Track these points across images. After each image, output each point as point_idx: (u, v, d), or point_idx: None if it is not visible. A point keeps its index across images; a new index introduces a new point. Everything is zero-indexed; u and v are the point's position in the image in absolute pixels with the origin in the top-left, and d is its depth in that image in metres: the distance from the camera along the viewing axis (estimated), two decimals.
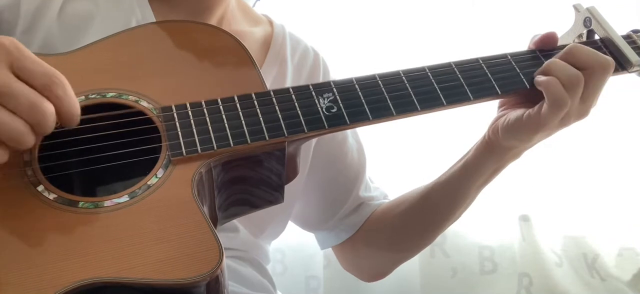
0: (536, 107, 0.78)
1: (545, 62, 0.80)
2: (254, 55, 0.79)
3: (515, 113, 0.81)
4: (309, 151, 0.98)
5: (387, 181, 1.21)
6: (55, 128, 0.62)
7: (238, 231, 0.91)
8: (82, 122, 0.67)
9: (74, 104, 0.63)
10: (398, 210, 0.98)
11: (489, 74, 0.80)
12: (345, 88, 0.76)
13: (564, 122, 0.79)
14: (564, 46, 0.81)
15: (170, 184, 0.66)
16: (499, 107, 0.86)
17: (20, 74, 0.61)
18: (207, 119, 0.71)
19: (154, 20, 0.87)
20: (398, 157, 1.48)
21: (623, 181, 1.52)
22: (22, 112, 0.60)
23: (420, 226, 0.97)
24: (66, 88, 0.63)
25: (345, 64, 1.40)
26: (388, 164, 1.45)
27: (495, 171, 0.88)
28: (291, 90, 0.75)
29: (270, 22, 1.02)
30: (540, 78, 0.78)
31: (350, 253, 1.05)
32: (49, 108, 0.61)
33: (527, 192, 1.54)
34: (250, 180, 0.74)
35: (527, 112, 0.79)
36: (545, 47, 0.84)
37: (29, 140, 0.61)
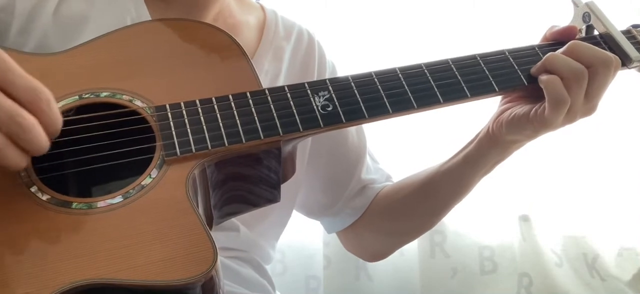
0: (541, 107, 0.77)
1: (547, 56, 0.79)
2: (249, 43, 0.78)
3: (520, 109, 0.80)
4: (306, 146, 0.97)
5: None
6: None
7: (239, 230, 0.91)
8: (76, 122, 0.67)
9: (57, 120, 0.61)
10: (399, 196, 0.99)
11: (486, 71, 0.79)
12: (341, 86, 0.75)
13: (570, 118, 0.78)
14: (563, 43, 0.80)
15: (164, 185, 0.66)
16: (502, 100, 0.85)
17: (3, 87, 0.58)
18: (202, 118, 0.70)
19: (149, 18, 0.86)
20: (392, 153, 1.47)
21: (623, 181, 1.52)
22: (0, 125, 0.57)
23: (420, 212, 0.98)
24: (51, 103, 0.60)
25: (344, 62, 1.39)
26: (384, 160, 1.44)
27: (497, 161, 0.88)
28: (286, 88, 0.74)
29: (262, 8, 1.02)
30: (542, 76, 0.77)
31: (354, 236, 1.06)
32: (30, 120, 0.58)
33: (527, 192, 1.54)
34: (245, 179, 0.73)
35: (533, 110, 0.78)
36: (564, 40, 0.82)
37: (12, 154, 0.58)
